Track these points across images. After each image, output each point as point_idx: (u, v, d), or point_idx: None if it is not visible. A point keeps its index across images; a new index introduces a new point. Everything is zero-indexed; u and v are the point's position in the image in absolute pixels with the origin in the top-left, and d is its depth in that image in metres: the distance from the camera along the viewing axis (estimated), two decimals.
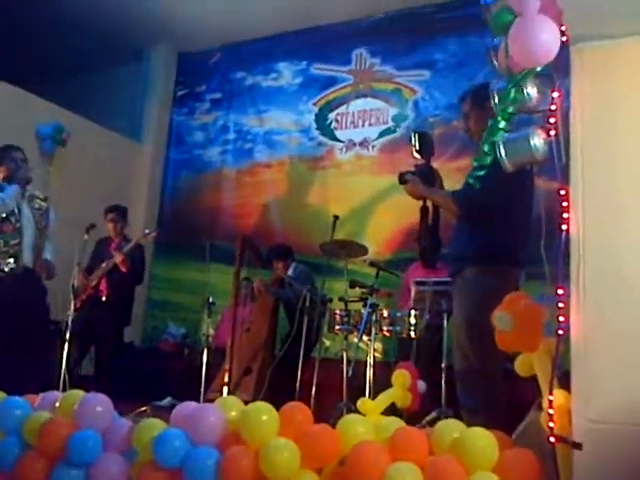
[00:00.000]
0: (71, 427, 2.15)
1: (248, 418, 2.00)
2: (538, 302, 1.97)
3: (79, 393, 2.29)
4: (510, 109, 1.80)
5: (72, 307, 4.58)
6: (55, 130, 6.57)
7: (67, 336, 4.46)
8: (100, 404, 2.21)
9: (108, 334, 5.34)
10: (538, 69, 1.74)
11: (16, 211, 3.97)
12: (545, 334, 1.91)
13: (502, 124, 1.82)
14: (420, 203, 3.21)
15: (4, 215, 3.90)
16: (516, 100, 1.78)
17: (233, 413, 2.09)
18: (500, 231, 2.89)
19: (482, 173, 2.01)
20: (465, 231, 3.03)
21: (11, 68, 6.59)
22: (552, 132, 1.78)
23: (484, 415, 2.48)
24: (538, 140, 1.81)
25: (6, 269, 3.89)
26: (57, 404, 2.29)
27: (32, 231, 4.00)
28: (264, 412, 2.00)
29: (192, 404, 2.17)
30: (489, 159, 1.89)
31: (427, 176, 3.21)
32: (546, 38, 1.71)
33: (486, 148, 1.88)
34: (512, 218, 2.90)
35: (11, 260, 3.90)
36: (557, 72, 1.80)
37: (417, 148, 3.21)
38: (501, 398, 2.79)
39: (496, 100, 1.90)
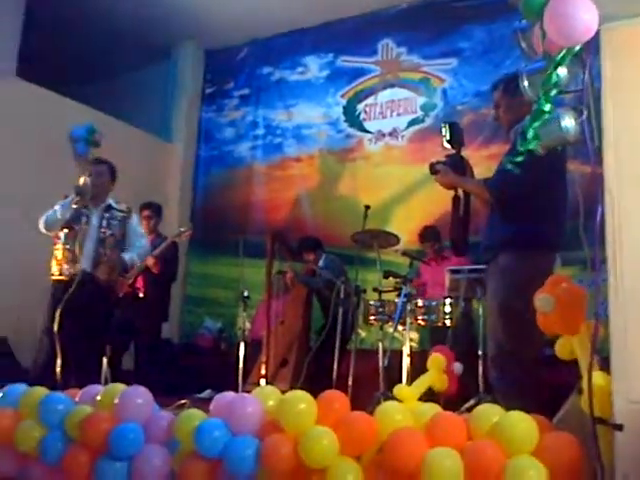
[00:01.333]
0: (112, 420, 2.19)
1: (286, 406, 2.03)
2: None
3: (119, 386, 2.33)
4: (553, 92, 1.76)
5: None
6: (88, 132, 6.69)
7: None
8: (140, 397, 2.25)
9: (146, 330, 5.44)
10: (577, 48, 1.70)
11: (84, 219, 4.19)
12: (587, 317, 1.90)
13: (547, 107, 1.79)
14: (451, 193, 3.20)
15: (69, 227, 4.15)
16: (558, 83, 1.75)
17: (271, 402, 2.11)
18: (533, 216, 2.87)
19: (522, 159, 1.97)
20: (498, 218, 3.02)
21: (43, 71, 6.72)
22: (583, 113, 1.76)
23: (519, 400, 2.46)
24: (569, 121, 1.79)
25: (66, 273, 4.13)
26: (98, 398, 2.33)
27: (94, 239, 4.19)
28: (302, 400, 2.02)
29: (231, 394, 2.20)
30: (534, 144, 1.85)
31: (458, 165, 3.20)
32: (584, 16, 1.67)
33: (530, 133, 1.84)
34: (545, 203, 2.88)
35: (70, 265, 4.12)
36: (587, 52, 1.78)
37: (448, 138, 3.20)
38: (537, 383, 2.77)
39: (525, 84, 1.88)
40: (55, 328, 3.87)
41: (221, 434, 2.03)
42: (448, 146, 3.21)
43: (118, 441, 2.12)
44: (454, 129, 3.24)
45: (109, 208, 4.34)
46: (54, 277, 4.19)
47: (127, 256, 4.30)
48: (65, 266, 4.16)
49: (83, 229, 4.19)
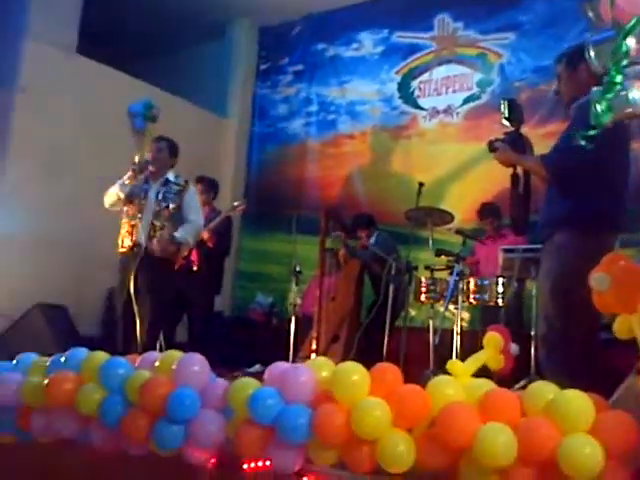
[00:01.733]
0: (170, 385, 2.24)
1: (339, 377, 2.04)
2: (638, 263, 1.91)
3: (177, 353, 2.38)
4: (624, 62, 1.70)
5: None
6: (146, 107, 6.81)
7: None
8: (197, 364, 2.30)
9: (200, 302, 5.54)
10: None
11: (142, 194, 4.36)
12: None
13: (618, 78, 1.73)
14: (510, 171, 3.15)
15: (130, 200, 4.35)
16: (628, 53, 1.69)
17: (324, 373, 2.13)
18: (592, 194, 2.80)
19: (595, 133, 1.91)
20: (556, 195, 2.95)
21: (102, 48, 6.86)
22: None
23: (569, 381, 2.43)
24: (637, 93, 1.74)
25: (126, 245, 4.33)
26: (157, 364, 2.39)
27: (150, 212, 4.34)
28: (355, 372, 2.03)
29: (285, 364, 2.22)
30: (607, 117, 1.79)
31: (517, 143, 3.13)
32: None
33: (603, 106, 1.78)
34: (605, 180, 2.80)
35: (129, 239, 4.32)
36: None
37: (506, 115, 3.14)
38: (589, 366, 2.72)
39: (592, 54, 1.83)
40: (122, 300, 4.20)
41: (275, 402, 2.06)
42: (507, 123, 3.15)
43: (175, 405, 2.17)
44: (513, 106, 3.18)
45: (167, 182, 4.46)
46: (120, 250, 4.38)
47: (179, 234, 4.37)
48: (126, 239, 4.34)
49: (142, 203, 4.34)
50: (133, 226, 4.31)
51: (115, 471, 2.43)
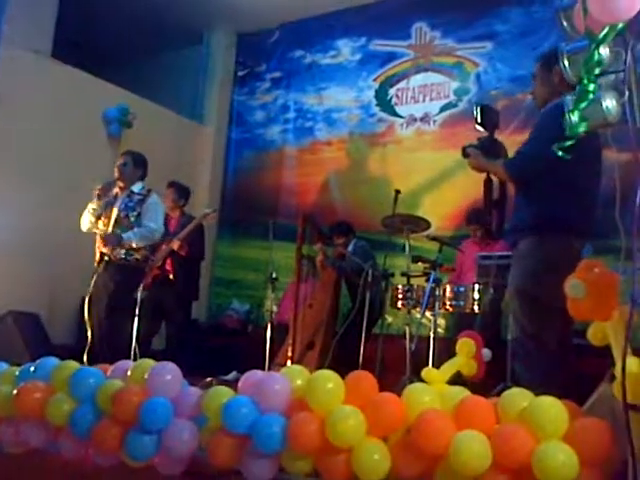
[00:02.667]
0: (143, 394, 2.21)
1: (314, 386, 2.02)
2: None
3: (149, 362, 2.35)
4: (597, 71, 1.71)
5: (141, 285, 4.73)
6: (121, 112, 6.75)
7: (137, 312, 4.64)
8: (170, 373, 2.27)
9: (177, 310, 5.51)
10: (620, 26, 1.65)
11: (109, 208, 4.58)
12: (620, 303, 1.86)
13: (591, 87, 1.73)
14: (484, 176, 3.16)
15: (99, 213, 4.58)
16: (601, 62, 1.69)
17: (299, 382, 2.11)
18: (556, 200, 2.80)
19: (571, 143, 1.91)
20: (521, 202, 2.97)
21: (76, 53, 6.79)
22: (625, 94, 1.71)
23: (542, 386, 2.44)
24: (610, 102, 1.75)
25: (97, 258, 4.55)
26: (129, 373, 2.35)
27: (113, 223, 4.53)
28: (330, 380, 2.01)
29: (259, 372, 2.20)
30: (582, 127, 1.78)
31: (490, 149, 3.15)
32: None
33: (576, 116, 1.78)
34: (571, 187, 2.80)
35: (99, 250, 4.53)
36: (630, 31, 1.73)
37: (479, 121, 3.15)
38: (562, 370, 2.74)
39: (566, 63, 1.84)
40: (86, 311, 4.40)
41: (249, 411, 2.04)
42: (480, 128, 3.17)
43: (148, 415, 2.14)
44: (486, 111, 3.19)
45: (131, 193, 4.63)
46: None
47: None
48: (97, 252, 4.55)
49: (109, 216, 4.54)
50: (101, 237, 4.53)
51: None
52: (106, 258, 4.47)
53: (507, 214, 3.16)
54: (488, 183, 3.13)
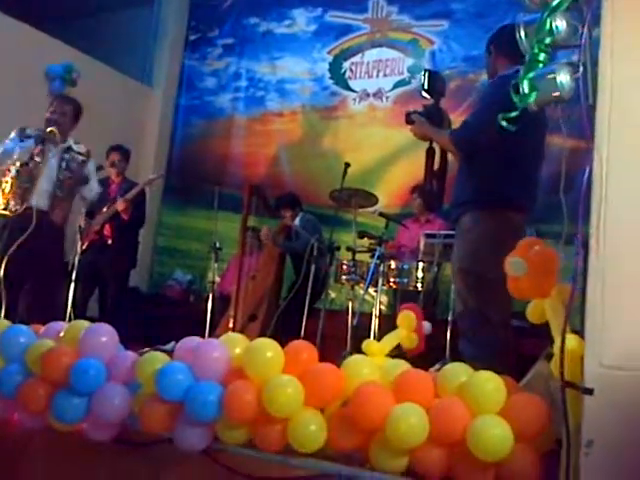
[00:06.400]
0: (74, 356, 2.12)
1: (253, 354, 1.98)
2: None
3: (84, 323, 2.27)
4: (547, 40, 1.68)
5: (78, 249, 4.55)
6: (65, 70, 6.50)
7: (73, 277, 4.46)
8: (105, 334, 2.19)
9: (113, 277, 5.33)
10: None
11: (38, 159, 3.97)
12: (559, 280, 1.86)
13: (541, 56, 1.70)
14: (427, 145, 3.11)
15: (24, 162, 3.92)
16: (552, 31, 1.66)
17: (238, 350, 2.06)
18: (498, 174, 2.79)
19: (516, 114, 1.89)
20: (464, 174, 2.94)
21: (22, 6, 6.46)
22: (579, 69, 1.69)
23: (484, 362, 2.46)
24: (564, 77, 1.73)
25: (13, 209, 3.92)
26: (61, 334, 2.26)
27: (50, 179, 4.04)
28: (269, 348, 1.97)
29: (196, 339, 2.14)
30: (532, 97, 1.75)
31: (434, 116, 3.10)
32: None
33: (525, 86, 1.74)
34: (513, 161, 2.79)
35: (17, 202, 3.91)
36: (587, 5, 1.71)
37: (425, 87, 3.11)
38: (503, 346, 2.76)
39: (522, 34, 1.82)
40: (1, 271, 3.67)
41: (184, 378, 1.98)
42: (426, 95, 3.12)
43: (78, 376, 2.05)
44: (433, 77, 3.15)
45: (69, 150, 4.18)
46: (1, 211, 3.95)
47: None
48: (12, 202, 3.93)
49: (38, 167, 4.00)
50: (23, 189, 3.93)
51: (8, 443, 2.29)
52: (35, 216, 3.81)
53: (447, 186, 3.11)
54: (430, 152, 3.08)
